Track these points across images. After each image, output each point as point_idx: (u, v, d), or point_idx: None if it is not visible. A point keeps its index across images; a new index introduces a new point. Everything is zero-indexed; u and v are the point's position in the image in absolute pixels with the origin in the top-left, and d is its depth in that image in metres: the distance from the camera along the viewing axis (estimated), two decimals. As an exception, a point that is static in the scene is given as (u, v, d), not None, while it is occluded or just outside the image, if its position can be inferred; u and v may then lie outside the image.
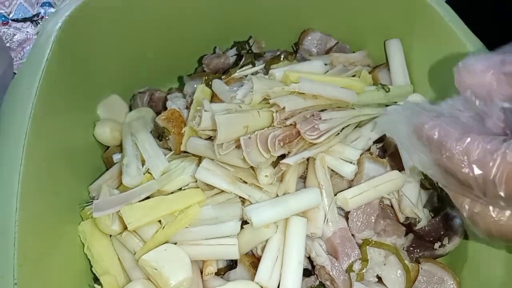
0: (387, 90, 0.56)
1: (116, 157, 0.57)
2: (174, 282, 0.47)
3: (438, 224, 0.52)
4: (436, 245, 0.52)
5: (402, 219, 0.52)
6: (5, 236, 0.38)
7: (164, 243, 0.49)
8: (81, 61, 0.55)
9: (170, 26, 0.63)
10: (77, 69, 0.55)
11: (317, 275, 0.49)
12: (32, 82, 0.48)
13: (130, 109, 0.66)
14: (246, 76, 0.57)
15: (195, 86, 0.59)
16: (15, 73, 0.77)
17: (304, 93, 0.50)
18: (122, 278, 0.51)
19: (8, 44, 0.83)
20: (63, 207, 0.49)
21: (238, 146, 0.48)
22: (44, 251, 0.43)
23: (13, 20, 0.87)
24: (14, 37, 0.85)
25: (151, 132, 0.58)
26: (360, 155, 0.52)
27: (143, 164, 0.53)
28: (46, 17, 0.85)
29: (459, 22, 0.55)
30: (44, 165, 0.46)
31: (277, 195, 0.49)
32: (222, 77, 0.59)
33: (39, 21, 0.87)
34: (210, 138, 0.51)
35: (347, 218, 0.51)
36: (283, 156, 0.49)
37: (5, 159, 0.43)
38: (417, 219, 0.51)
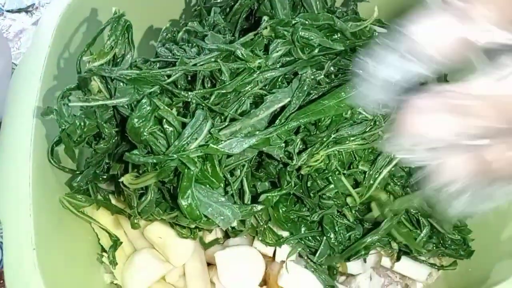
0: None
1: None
2: (178, 249, 0.51)
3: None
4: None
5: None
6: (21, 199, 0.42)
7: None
8: (82, 47, 0.58)
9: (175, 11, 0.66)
10: (76, 58, 0.58)
11: None
12: (35, 71, 0.51)
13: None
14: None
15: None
16: (14, 63, 0.80)
17: None
18: (128, 249, 0.54)
19: (4, 35, 0.86)
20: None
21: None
22: (56, 223, 0.47)
23: (8, 11, 0.89)
24: (10, 27, 0.87)
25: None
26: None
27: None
28: (41, 7, 0.88)
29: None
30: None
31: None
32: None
33: (34, 12, 0.89)
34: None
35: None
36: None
37: (15, 144, 0.46)
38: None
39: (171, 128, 0.43)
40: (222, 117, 0.45)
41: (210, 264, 0.53)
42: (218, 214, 0.43)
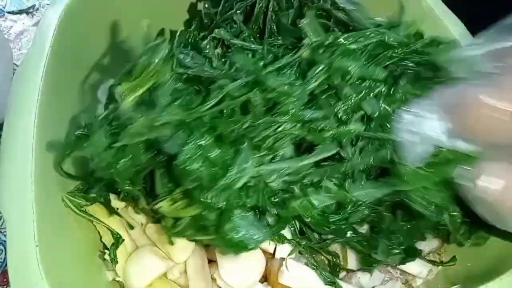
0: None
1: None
2: (180, 246, 0.51)
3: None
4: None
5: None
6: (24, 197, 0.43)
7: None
8: (82, 48, 0.59)
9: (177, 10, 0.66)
10: (78, 55, 0.58)
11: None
12: (37, 70, 0.51)
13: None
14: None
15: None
16: (15, 64, 0.80)
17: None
18: (129, 246, 0.55)
19: (6, 36, 0.86)
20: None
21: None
22: (59, 220, 0.47)
23: (9, 12, 0.90)
24: (11, 29, 0.88)
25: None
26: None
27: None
28: (42, 8, 0.88)
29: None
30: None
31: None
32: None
33: (35, 13, 0.89)
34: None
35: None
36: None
37: (18, 143, 0.47)
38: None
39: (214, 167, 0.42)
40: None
41: (211, 261, 0.53)
42: (251, 238, 0.43)
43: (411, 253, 0.50)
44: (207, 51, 0.50)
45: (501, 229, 0.40)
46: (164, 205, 0.44)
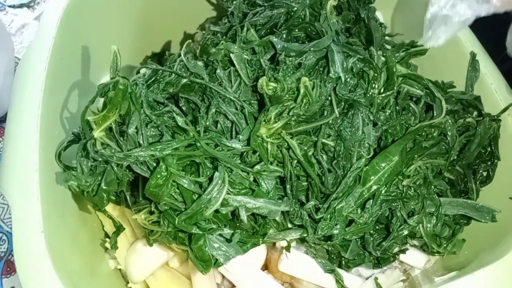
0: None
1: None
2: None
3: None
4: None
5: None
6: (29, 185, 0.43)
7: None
8: (84, 41, 0.59)
9: (178, 3, 0.67)
10: (81, 47, 0.59)
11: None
12: (40, 62, 0.52)
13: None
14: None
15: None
16: (16, 57, 0.81)
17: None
18: (131, 236, 0.55)
19: (7, 30, 0.87)
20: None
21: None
22: (62, 209, 0.48)
23: (10, 6, 0.90)
24: (12, 22, 0.88)
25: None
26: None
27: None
28: (42, 2, 0.89)
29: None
30: (56, 133, 0.51)
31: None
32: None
33: (35, 6, 0.90)
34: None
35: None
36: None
37: (22, 133, 0.48)
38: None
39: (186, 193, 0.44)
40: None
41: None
42: (224, 254, 0.45)
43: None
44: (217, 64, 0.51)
45: None
46: (140, 217, 0.47)
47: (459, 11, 0.42)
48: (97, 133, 0.43)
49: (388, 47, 0.60)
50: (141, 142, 0.43)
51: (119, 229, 0.52)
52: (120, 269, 0.54)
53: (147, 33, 0.71)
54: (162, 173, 0.42)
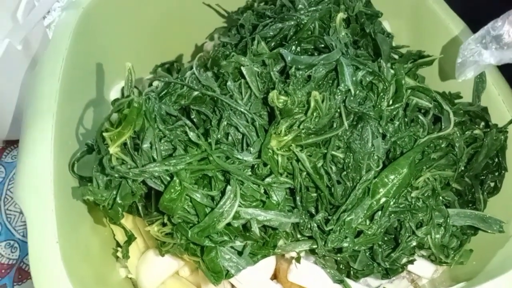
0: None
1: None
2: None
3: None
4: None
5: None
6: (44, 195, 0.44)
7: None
8: (96, 51, 0.60)
9: (187, 13, 0.68)
10: (93, 57, 0.60)
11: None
12: (54, 71, 0.53)
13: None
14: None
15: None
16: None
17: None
18: (142, 245, 0.56)
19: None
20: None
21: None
22: (76, 219, 0.49)
23: (21, 15, 0.91)
24: (23, 31, 0.89)
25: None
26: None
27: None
28: (53, 11, 0.90)
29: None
30: (70, 143, 0.52)
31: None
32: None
33: (46, 15, 0.91)
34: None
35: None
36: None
37: (37, 143, 0.48)
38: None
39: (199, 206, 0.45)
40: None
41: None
42: (235, 266, 0.45)
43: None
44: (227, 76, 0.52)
45: None
46: (153, 229, 0.48)
47: (485, 60, 0.50)
48: (113, 149, 0.44)
49: (396, 56, 0.61)
50: (155, 157, 0.44)
51: (130, 238, 0.53)
52: (131, 278, 0.55)
53: (157, 42, 0.72)
54: (176, 188, 0.43)
